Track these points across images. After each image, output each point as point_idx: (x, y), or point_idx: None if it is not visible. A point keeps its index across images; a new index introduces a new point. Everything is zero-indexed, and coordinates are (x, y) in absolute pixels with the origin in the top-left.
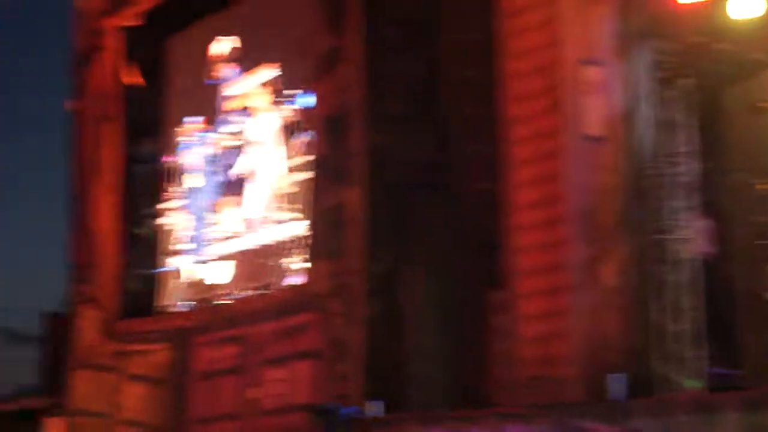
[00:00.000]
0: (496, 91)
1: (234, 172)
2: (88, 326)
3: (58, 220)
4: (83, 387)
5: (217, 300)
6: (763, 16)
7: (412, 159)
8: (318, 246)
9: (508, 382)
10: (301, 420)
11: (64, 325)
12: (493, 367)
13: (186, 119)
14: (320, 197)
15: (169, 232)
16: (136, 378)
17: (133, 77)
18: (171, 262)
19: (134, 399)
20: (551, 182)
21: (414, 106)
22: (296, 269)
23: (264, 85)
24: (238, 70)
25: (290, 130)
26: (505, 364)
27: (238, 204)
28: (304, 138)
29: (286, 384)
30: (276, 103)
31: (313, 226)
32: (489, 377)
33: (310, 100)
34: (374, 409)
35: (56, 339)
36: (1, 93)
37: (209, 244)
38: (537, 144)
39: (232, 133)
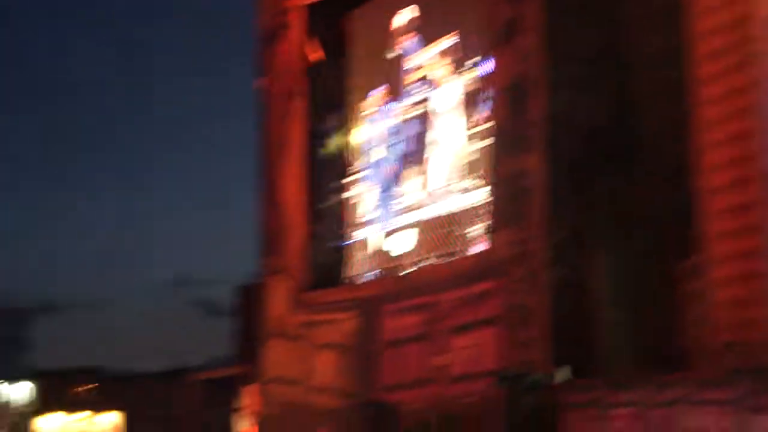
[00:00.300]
0: (684, 52)
1: (416, 143)
2: (279, 297)
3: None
4: (275, 356)
5: (403, 269)
6: None
7: (592, 125)
8: (500, 214)
9: (703, 348)
10: (488, 386)
11: (256, 296)
12: (687, 332)
13: (368, 92)
14: (501, 165)
15: (355, 204)
16: (325, 346)
17: (317, 53)
18: (357, 234)
19: (324, 366)
20: (744, 141)
21: (594, 72)
22: (479, 237)
23: (444, 55)
24: (418, 41)
25: (471, 99)
26: (700, 329)
27: (422, 174)
28: (484, 107)
29: (472, 350)
30: (456, 72)
31: (495, 194)
32: (681, 343)
33: (490, 68)
34: (562, 374)
35: (249, 310)
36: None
37: (394, 215)
38: (729, 103)
39: (414, 104)
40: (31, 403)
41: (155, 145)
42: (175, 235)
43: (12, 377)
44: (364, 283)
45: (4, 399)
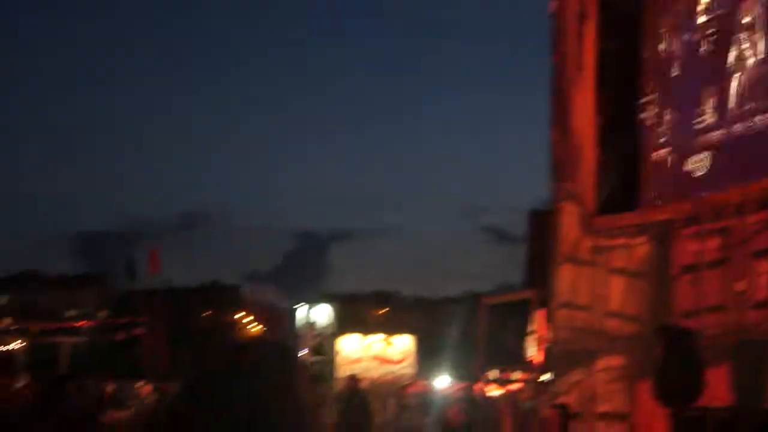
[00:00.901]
0: None
1: (715, 61)
2: (570, 222)
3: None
4: (566, 281)
5: (700, 192)
6: None
7: None
8: None
9: None
10: None
11: (547, 222)
12: None
13: (664, 10)
14: None
15: (650, 125)
16: (617, 271)
17: None
18: (652, 156)
19: (616, 292)
20: None
21: None
22: None
23: None
24: None
25: None
26: None
27: (721, 94)
28: None
29: None
30: None
31: None
32: None
33: None
34: None
35: (540, 235)
36: None
37: (691, 136)
38: None
39: (712, 21)
40: (330, 325)
41: (442, 70)
42: (463, 163)
43: (312, 300)
44: (659, 207)
45: (307, 321)
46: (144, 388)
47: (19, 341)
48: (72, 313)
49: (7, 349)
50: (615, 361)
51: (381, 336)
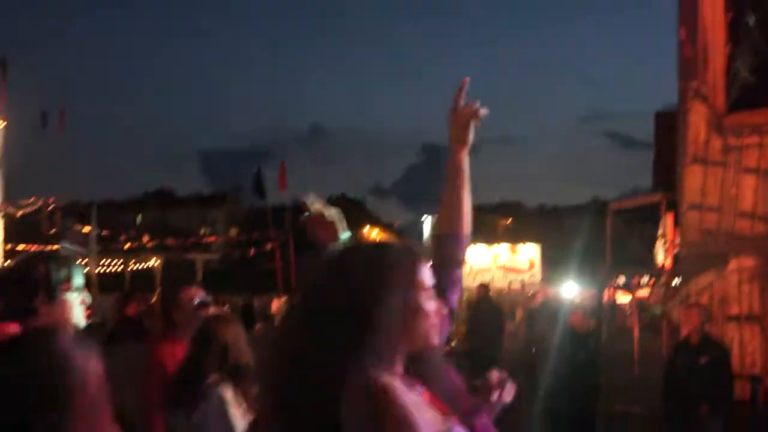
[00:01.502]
0: None
1: None
2: (698, 122)
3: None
4: (695, 182)
5: None
6: None
7: None
8: None
9: None
10: None
11: (674, 123)
12: None
13: None
14: None
15: None
16: (748, 171)
17: None
18: None
19: (748, 192)
20: None
21: None
22: None
23: None
24: None
25: None
26: None
27: None
28: None
29: None
30: None
31: None
32: None
33: None
34: None
35: (667, 137)
36: None
37: None
38: None
39: None
40: None
41: None
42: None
43: (435, 212)
44: None
45: (428, 233)
46: (276, 301)
47: (156, 258)
48: (204, 230)
49: (146, 266)
50: (747, 262)
51: (507, 246)
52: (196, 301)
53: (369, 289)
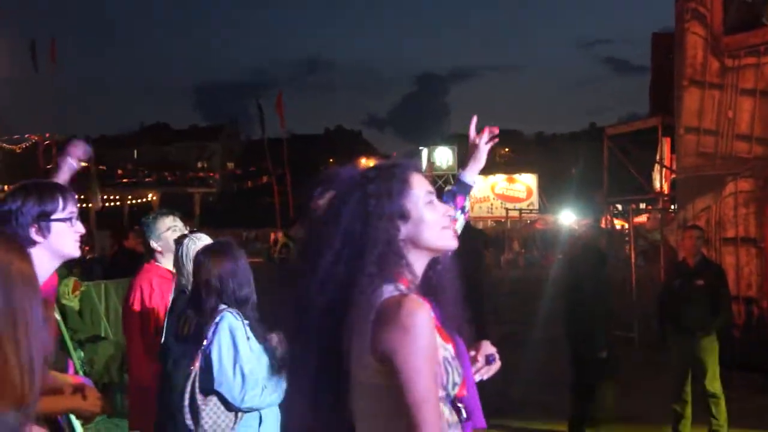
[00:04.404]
0: None
1: None
2: (695, 43)
3: None
4: (693, 105)
5: None
6: None
7: None
8: None
9: None
10: None
11: (671, 44)
12: None
13: None
14: None
15: None
16: (747, 92)
17: None
18: None
19: (745, 114)
20: None
21: None
22: None
23: None
24: None
25: None
26: None
27: None
28: None
29: None
30: None
31: None
32: None
33: None
34: None
35: (664, 60)
36: None
37: None
38: None
39: None
40: (451, 167)
41: None
42: None
43: (433, 142)
44: None
45: (429, 163)
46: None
47: (153, 193)
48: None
49: (144, 201)
50: (744, 185)
51: (504, 175)
52: (175, 229)
53: (363, 210)
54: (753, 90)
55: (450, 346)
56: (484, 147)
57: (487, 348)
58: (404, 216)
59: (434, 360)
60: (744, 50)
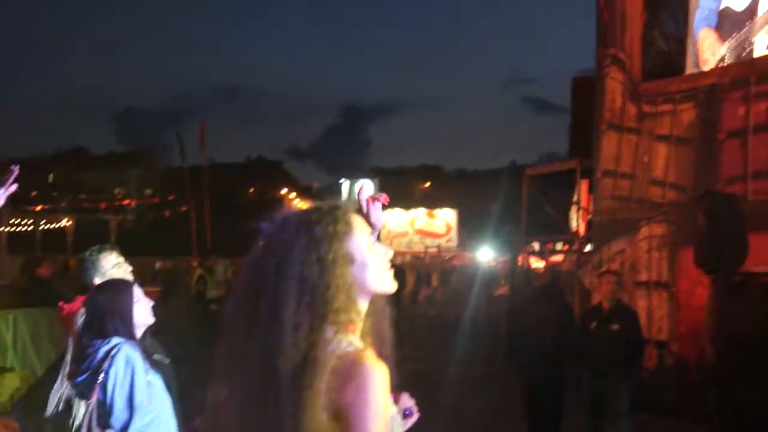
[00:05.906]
0: None
1: None
2: (614, 89)
3: None
4: (610, 149)
5: (751, 54)
6: None
7: None
8: None
9: None
10: None
11: (591, 89)
12: None
13: None
14: None
15: None
16: (662, 138)
17: None
18: (698, 19)
19: (661, 159)
20: None
21: None
22: None
23: None
24: None
25: None
26: None
27: None
28: None
29: None
30: None
31: None
32: None
33: None
34: None
35: (584, 104)
36: None
37: None
38: None
39: None
40: None
41: None
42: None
43: (353, 175)
44: (706, 72)
45: (350, 196)
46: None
47: (68, 218)
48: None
49: (58, 226)
50: (657, 229)
51: (424, 210)
52: (120, 266)
53: (315, 255)
54: (668, 136)
55: (393, 405)
56: (375, 212)
57: (405, 401)
58: (352, 260)
59: (385, 421)
60: (661, 97)
